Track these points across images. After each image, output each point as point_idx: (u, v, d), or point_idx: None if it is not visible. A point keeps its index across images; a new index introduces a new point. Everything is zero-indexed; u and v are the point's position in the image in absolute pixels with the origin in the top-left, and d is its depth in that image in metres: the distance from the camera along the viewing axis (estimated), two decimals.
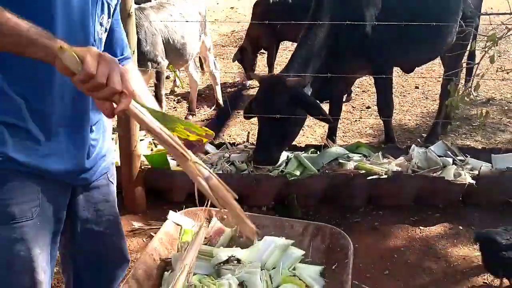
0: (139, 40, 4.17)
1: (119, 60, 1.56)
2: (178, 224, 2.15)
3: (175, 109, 6.04)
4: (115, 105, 1.08)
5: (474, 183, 3.17)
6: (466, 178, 3.25)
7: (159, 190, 3.45)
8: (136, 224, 3.18)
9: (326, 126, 4.45)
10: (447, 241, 2.97)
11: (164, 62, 4.52)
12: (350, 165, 3.37)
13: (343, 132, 5.24)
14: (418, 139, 4.78)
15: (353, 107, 6.07)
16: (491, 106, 5.60)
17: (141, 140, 3.95)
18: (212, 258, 1.91)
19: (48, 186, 1.38)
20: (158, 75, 4.53)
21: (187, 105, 5.71)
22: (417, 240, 2.99)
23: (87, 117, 1.45)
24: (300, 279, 1.77)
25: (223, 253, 1.89)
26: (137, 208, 3.32)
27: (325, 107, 3.83)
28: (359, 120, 5.56)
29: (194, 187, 3.28)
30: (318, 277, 1.93)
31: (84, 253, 1.70)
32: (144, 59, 4.28)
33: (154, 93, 4.79)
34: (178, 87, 6.55)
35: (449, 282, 2.63)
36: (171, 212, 2.19)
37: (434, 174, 3.32)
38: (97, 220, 1.64)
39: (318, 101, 3.43)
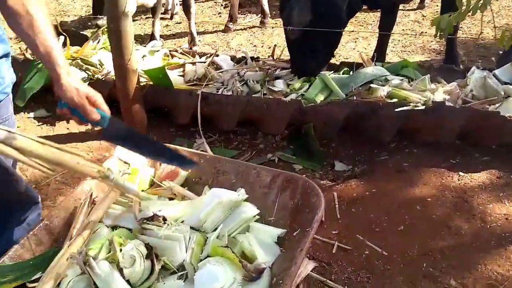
0: None
1: None
2: (125, 162, 1.79)
3: (219, 14, 5.51)
4: None
5: None
6: None
7: (162, 110, 3.10)
8: None
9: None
10: (490, 194, 2.36)
11: None
12: (383, 91, 2.75)
13: (402, 46, 4.47)
14: (493, 58, 3.93)
15: (423, 16, 5.15)
16: None
17: (156, 51, 3.58)
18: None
19: None
20: None
21: None
22: (451, 189, 2.40)
23: None
24: (233, 251, 1.34)
25: (151, 207, 1.51)
26: (138, 128, 3.01)
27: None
28: (425, 33, 4.70)
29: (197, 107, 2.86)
30: (274, 244, 1.51)
31: None
32: None
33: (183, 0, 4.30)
34: None
35: (478, 248, 2.07)
36: (118, 147, 1.83)
37: (491, 107, 2.63)
38: None
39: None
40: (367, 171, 2.68)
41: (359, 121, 2.68)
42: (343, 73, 3.10)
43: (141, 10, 5.45)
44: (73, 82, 1.25)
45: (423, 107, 2.56)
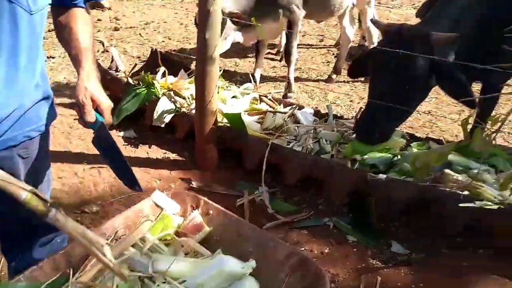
0: None
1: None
2: (158, 206, 1.87)
3: (328, 63, 5.53)
4: None
5: None
6: None
7: (234, 151, 3.19)
8: (195, 183, 3.00)
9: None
10: None
11: (300, 12, 4.05)
12: (457, 179, 2.54)
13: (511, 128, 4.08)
14: None
15: None
16: None
17: (247, 94, 3.71)
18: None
19: None
20: (291, 25, 4.08)
21: None
22: None
23: None
24: None
25: (161, 260, 1.56)
26: (207, 166, 3.13)
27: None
28: None
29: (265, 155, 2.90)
30: None
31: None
32: (275, 5, 3.89)
33: (285, 45, 4.40)
34: None
35: None
36: (156, 191, 1.92)
37: None
38: None
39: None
40: (423, 261, 2.49)
41: (423, 206, 2.51)
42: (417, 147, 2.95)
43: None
44: (86, 82, 1.38)
45: (496, 207, 2.31)
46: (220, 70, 3.70)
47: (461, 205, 2.31)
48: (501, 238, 2.34)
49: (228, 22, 3.64)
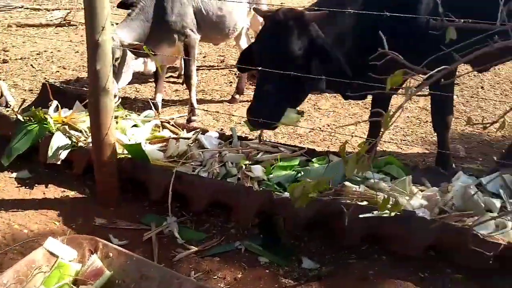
0: (164, 9, 3.79)
1: None
2: (53, 254, 1.75)
3: (230, 84, 5.58)
4: None
5: None
6: (511, 234, 2.37)
7: (137, 184, 3.09)
8: (98, 221, 2.86)
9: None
10: None
11: (196, 35, 4.06)
12: (359, 191, 2.66)
13: (403, 135, 4.37)
14: (495, 157, 3.78)
15: None
16: None
17: (148, 121, 3.63)
18: None
19: None
20: (187, 49, 4.07)
21: None
22: None
23: None
24: None
25: None
26: (110, 201, 3.00)
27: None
28: (430, 123, 4.61)
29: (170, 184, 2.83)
30: None
31: None
32: (169, 31, 3.88)
33: (184, 70, 4.37)
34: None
35: None
36: (49, 238, 1.80)
37: (469, 221, 2.49)
38: None
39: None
40: (333, 273, 2.56)
41: (327, 219, 2.59)
42: (317, 162, 3.05)
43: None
44: None
45: (393, 214, 2.44)
46: (119, 99, 3.60)
47: (361, 215, 2.41)
48: (399, 244, 2.47)
49: (129, 53, 3.59)
